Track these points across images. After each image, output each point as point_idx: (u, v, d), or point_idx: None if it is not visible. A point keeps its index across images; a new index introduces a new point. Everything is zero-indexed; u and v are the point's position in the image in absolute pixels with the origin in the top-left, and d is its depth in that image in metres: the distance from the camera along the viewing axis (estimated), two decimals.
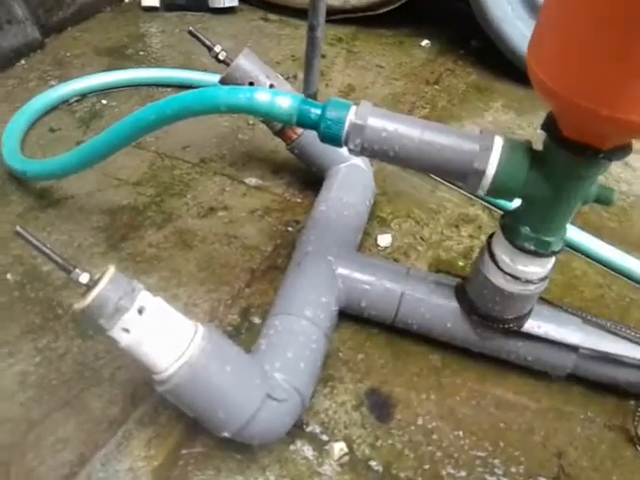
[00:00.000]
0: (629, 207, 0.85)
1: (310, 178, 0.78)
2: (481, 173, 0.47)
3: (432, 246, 0.74)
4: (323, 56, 1.08)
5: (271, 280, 0.66)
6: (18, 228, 0.42)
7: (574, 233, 0.75)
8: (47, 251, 0.43)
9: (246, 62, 0.69)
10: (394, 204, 0.79)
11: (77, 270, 0.43)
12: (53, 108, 0.86)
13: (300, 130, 0.72)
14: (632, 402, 0.59)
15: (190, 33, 0.70)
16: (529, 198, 0.49)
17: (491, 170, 0.47)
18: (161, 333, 0.44)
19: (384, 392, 0.58)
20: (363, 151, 0.50)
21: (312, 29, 0.84)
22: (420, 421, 0.56)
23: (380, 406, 0.57)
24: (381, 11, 1.15)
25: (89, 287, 0.43)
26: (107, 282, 0.43)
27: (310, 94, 0.91)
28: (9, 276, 0.63)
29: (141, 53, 1.02)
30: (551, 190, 0.47)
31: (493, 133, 0.49)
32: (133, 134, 0.57)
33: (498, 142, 0.48)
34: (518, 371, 0.60)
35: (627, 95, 0.37)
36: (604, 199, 0.49)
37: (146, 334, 0.43)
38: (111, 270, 0.44)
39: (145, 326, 0.43)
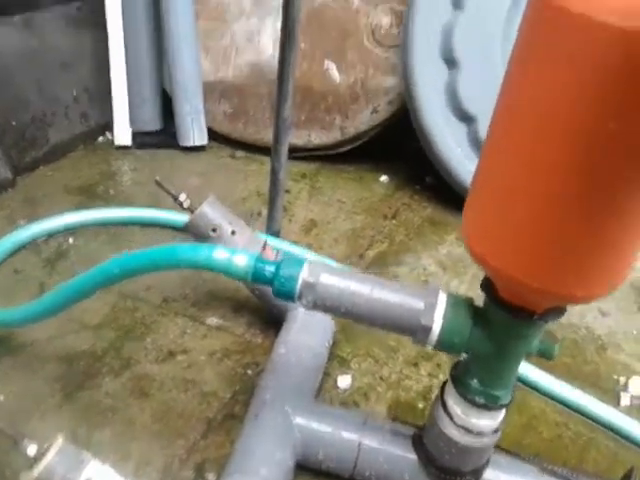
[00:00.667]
0: (581, 340, 0.88)
1: (272, 317, 0.79)
2: (428, 329, 0.49)
3: (392, 386, 0.75)
4: (287, 191, 1.13)
5: (228, 430, 0.65)
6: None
7: (529, 370, 0.77)
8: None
9: (209, 210, 0.73)
10: (354, 343, 0.80)
11: (25, 441, 0.42)
12: (20, 248, 0.88)
13: None
14: None
15: (157, 183, 0.74)
16: (474, 353, 0.50)
17: (437, 326, 0.49)
18: None
19: None
20: (315, 307, 0.52)
21: (274, 172, 0.89)
22: None
23: None
24: (342, 150, 1.23)
25: (36, 459, 0.42)
26: (54, 455, 0.42)
27: (274, 232, 0.95)
28: None
29: (111, 192, 1.06)
30: (493, 346, 0.49)
31: (437, 289, 0.51)
32: (95, 287, 0.59)
33: (442, 298, 0.50)
34: None
35: (558, 271, 0.40)
36: (546, 354, 0.51)
37: None
38: (58, 442, 0.43)
39: None
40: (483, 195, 0.44)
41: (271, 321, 0.79)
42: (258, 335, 0.79)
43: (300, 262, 0.52)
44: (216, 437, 0.65)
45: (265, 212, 1.02)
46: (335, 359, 0.77)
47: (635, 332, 0.91)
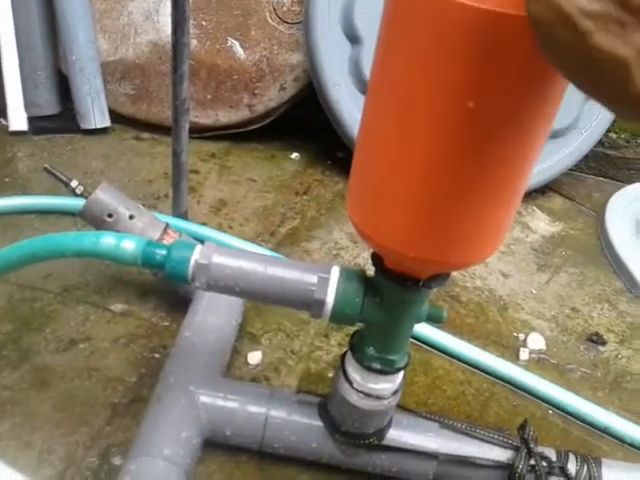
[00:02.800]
0: (484, 302, 0.92)
1: (179, 299, 0.78)
2: (322, 303, 0.50)
3: (302, 359, 0.76)
4: (196, 172, 1.12)
5: (134, 414, 0.64)
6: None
7: (433, 332, 0.80)
8: None
9: (104, 195, 0.71)
10: (264, 318, 0.81)
11: None
12: None
13: None
14: None
15: (46, 170, 0.71)
16: (368, 322, 0.52)
17: (330, 299, 0.50)
18: None
19: None
20: (209, 288, 0.52)
21: (176, 154, 0.87)
22: None
23: None
24: (251, 128, 1.22)
25: None
26: None
27: (180, 214, 0.93)
28: None
29: (6, 180, 1.01)
30: (385, 315, 0.51)
31: (330, 264, 0.52)
32: None
33: (335, 272, 0.51)
34: None
35: (432, 241, 0.42)
36: (435, 318, 0.54)
37: None
38: None
39: None
40: (360, 171, 0.45)
41: (178, 303, 0.78)
42: (165, 318, 0.78)
43: (192, 245, 0.52)
44: (122, 421, 0.64)
45: (171, 194, 1.00)
46: (245, 336, 0.77)
47: (534, 291, 0.97)
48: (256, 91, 1.19)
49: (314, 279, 0.51)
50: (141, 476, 0.52)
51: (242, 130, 1.22)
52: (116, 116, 1.21)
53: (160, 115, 1.21)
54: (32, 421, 0.62)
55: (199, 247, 0.52)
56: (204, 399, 0.60)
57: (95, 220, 0.71)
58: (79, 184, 0.71)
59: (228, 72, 1.19)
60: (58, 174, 0.71)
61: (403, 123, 0.39)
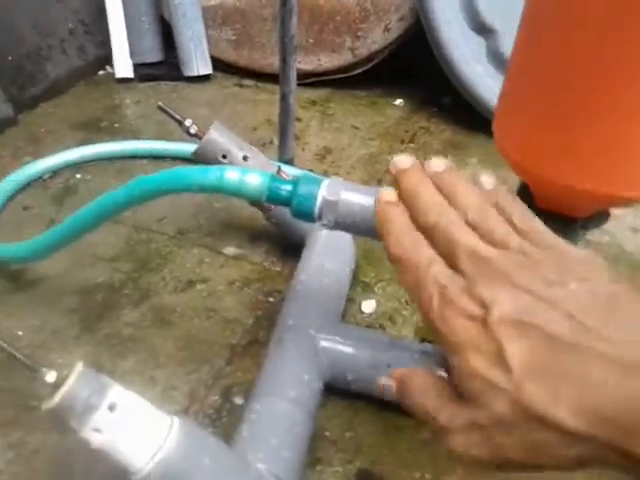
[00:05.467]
0: (614, 260, 0.85)
1: (289, 244, 0.77)
2: None
3: (417, 309, 0.73)
4: (298, 119, 1.09)
5: (253, 355, 0.64)
6: None
7: None
8: (11, 351, 0.40)
9: (217, 135, 0.69)
10: (377, 267, 0.78)
11: (43, 369, 0.40)
12: (27, 185, 0.85)
13: None
14: None
15: (159, 108, 0.70)
16: None
17: None
18: (135, 430, 0.41)
19: (375, 472, 0.55)
20: (336, 226, 0.49)
21: (284, 97, 0.85)
22: None
23: None
24: (353, 73, 1.17)
25: (56, 386, 0.40)
26: (74, 380, 0.40)
27: (286, 160, 0.91)
28: None
29: (116, 125, 1.02)
30: None
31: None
32: (103, 216, 0.56)
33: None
34: None
35: (604, 168, 0.37)
36: None
37: (119, 432, 0.41)
38: (78, 367, 0.41)
39: (117, 424, 0.41)
40: (514, 94, 0.41)
41: (289, 249, 0.77)
42: (277, 263, 0.77)
43: (318, 180, 0.49)
44: (241, 362, 0.63)
45: (276, 141, 0.98)
46: (358, 284, 0.75)
47: None
48: (359, 33, 1.14)
49: None
50: (267, 415, 0.52)
51: (344, 75, 1.18)
52: (218, 63, 1.20)
53: (262, 61, 1.19)
54: (155, 358, 0.63)
55: (326, 182, 0.49)
56: (324, 343, 0.59)
57: (209, 161, 0.70)
58: (193, 123, 0.70)
59: (331, 13, 1.14)
60: (172, 112, 0.70)
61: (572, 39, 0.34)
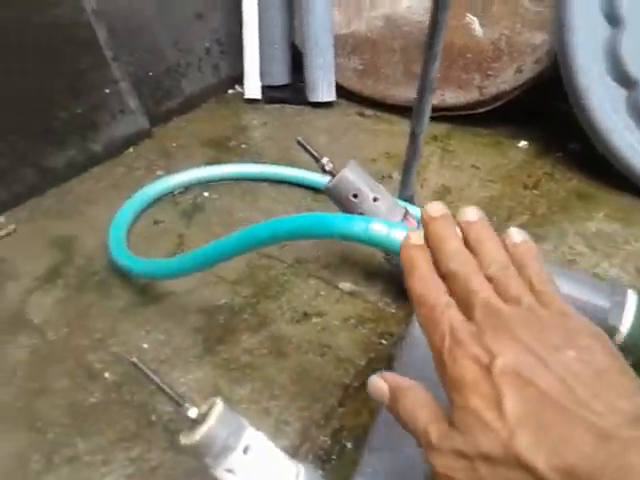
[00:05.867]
0: None
1: (404, 286, 0.76)
2: (615, 330, 0.44)
3: None
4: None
5: (364, 399, 0.64)
6: (134, 359, 0.42)
7: None
8: (161, 385, 0.42)
9: (351, 174, 0.70)
10: None
11: (187, 404, 0.42)
12: (158, 199, 0.89)
13: None
14: None
15: (299, 143, 0.72)
16: None
17: (625, 328, 0.44)
18: (264, 476, 0.42)
19: None
20: None
21: (414, 135, 0.84)
22: None
23: None
24: (478, 111, 1.15)
25: (196, 422, 0.42)
26: (216, 420, 0.41)
27: (407, 197, 0.90)
28: (107, 375, 0.64)
29: (243, 146, 1.06)
30: None
31: (625, 288, 0.46)
32: (242, 249, 0.58)
33: (632, 298, 0.45)
34: None
35: None
36: None
37: (250, 475, 0.42)
38: (219, 406, 0.42)
39: (250, 467, 0.42)
40: None
41: (404, 291, 0.76)
42: (391, 304, 0.76)
43: None
44: (353, 405, 0.63)
45: (395, 175, 0.98)
46: None
47: None
48: (489, 72, 1.12)
49: (607, 303, 0.45)
50: (384, 471, 0.51)
51: (468, 112, 1.16)
52: (341, 90, 1.22)
53: (385, 92, 1.19)
54: (270, 388, 0.64)
55: None
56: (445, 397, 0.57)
57: (340, 198, 0.71)
58: (329, 161, 0.71)
59: (462, 51, 1.12)
60: (310, 149, 0.72)
61: None
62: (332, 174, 0.72)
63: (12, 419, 0.59)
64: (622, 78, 0.97)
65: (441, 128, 1.18)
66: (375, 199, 0.70)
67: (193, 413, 0.42)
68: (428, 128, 1.16)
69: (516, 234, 0.35)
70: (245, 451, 0.42)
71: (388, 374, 0.38)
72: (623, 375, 0.28)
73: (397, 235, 0.49)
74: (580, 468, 0.25)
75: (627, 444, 0.24)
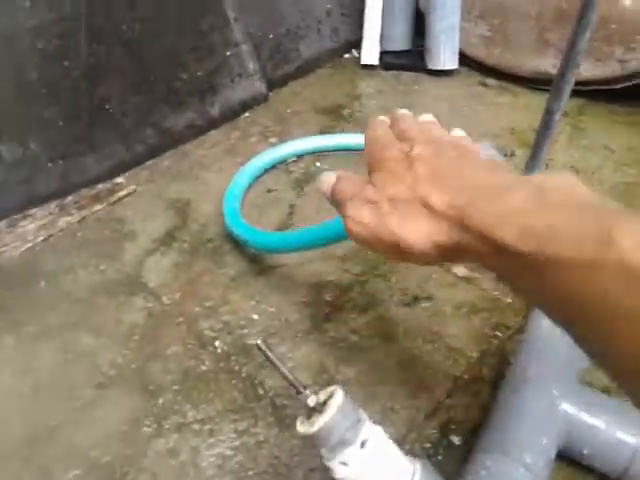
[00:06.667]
0: None
1: None
2: None
3: None
4: None
5: (474, 393, 0.60)
6: (259, 342, 0.41)
7: None
8: (283, 370, 0.41)
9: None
10: None
11: (307, 391, 0.41)
12: (271, 167, 0.89)
13: None
14: None
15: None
16: None
17: None
18: (379, 472, 0.41)
19: None
20: None
21: (550, 112, 0.77)
22: None
23: None
24: (616, 87, 1.05)
25: (314, 410, 0.41)
26: (335, 411, 0.40)
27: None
28: (217, 344, 0.65)
29: (357, 114, 1.03)
30: None
31: None
32: (338, 238, 0.56)
33: None
34: None
35: None
36: None
37: (364, 470, 0.40)
38: (339, 396, 0.41)
39: (365, 461, 0.40)
40: None
41: None
42: (508, 294, 0.72)
43: None
44: (462, 398, 0.60)
45: (519, 152, 0.91)
46: None
47: None
48: (633, 44, 1.01)
49: None
50: (498, 476, 0.48)
51: (605, 88, 1.06)
52: (463, 58, 1.15)
53: (512, 62, 1.11)
54: (377, 372, 0.62)
55: None
56: (567, 407, 0.53)
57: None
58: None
59: (605, 20, 1.02)
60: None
61: None
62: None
63: (127, 382, 0.62)
64: None
65: (573, 103, 1.08)
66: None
67: (312, 401, 0.41)
68: None
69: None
70: (362, 445, 0.41)
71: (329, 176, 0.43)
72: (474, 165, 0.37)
73: None
74: (459, 201, 0.32)
75: (502, 188, 0.31)
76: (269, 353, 0.41)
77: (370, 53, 1.14)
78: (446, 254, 0.34)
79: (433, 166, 0.36)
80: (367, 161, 0.40)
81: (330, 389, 0.42)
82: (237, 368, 0.62)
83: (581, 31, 0.68)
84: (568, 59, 0.71)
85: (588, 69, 1.05)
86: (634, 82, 1.03)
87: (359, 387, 0.61)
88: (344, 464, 0.40)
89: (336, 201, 0.41)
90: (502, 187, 0.31)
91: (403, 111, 0.47)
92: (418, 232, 0.33)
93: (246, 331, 0.66)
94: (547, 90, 1.09)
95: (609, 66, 1.04)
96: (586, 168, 0.93)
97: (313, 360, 0.63)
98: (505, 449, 0.50)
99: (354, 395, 0.60)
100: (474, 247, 0.31)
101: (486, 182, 0.33)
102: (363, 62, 1.15)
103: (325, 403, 0.41)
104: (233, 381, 0.61)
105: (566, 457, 0.54)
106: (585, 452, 0.53)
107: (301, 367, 0.62)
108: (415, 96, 1.09)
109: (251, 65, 1.00)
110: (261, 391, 0.60)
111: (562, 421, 0.53)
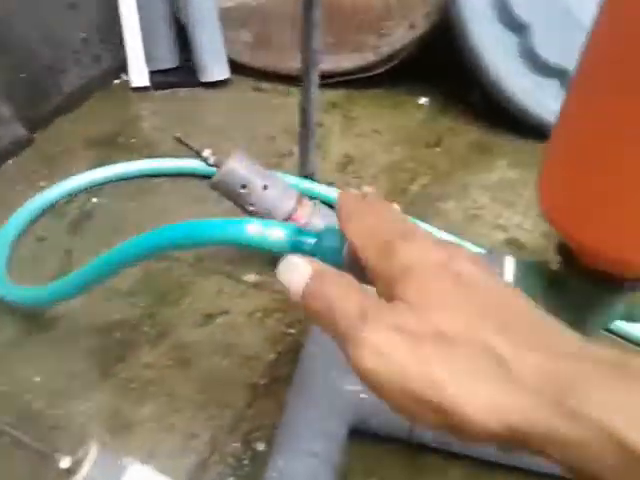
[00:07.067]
0: None
1: None
2: None
3: None
4: (320, 125, 1.05)
5: (275, 395, 0.62)
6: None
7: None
8: (18, 436, 0.39)
9: (237, 165, 0.66)
10: None
11: (56, 455, 0.39)
12: (41, 213, 0.83)
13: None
14: None
15: (177, 139, 0.68)
16: None
17: None
18: None
19: None
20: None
21: (304, 112, 0.81)
22: None
23: None
24: (376, 72, 1.12)
25: (70, 472, 0.39)
26: (89, 468, 0.39)
27: (307, 174, 0.88)
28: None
29: (132, 140, 1.00)
30: (571, 316, 0.42)
31: (503, 254, 0.44)
32: (118, 266, 0.54)
33: (509, 265, 0.44)
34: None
35: None
36: (635, 317, 0.45)
37: None
38: (93, 452, 0.40)
39: None
40: (562, 159, 0.36)
41: None
42: None
43: (341, 234, 0.46)
44: (263, 404, 0.61)
45: (296, 150, 0.94)
46: None
47: None
48: (382, 30, 1.09)
49: None
50: (290, 473, 0.50)
51: (365, 75, 1.13)
52: (235, 66, 1.16)
53: (279, 63, 1.15)
54: (174, 402, 0.61)
55: None
56: (349, 387, 0.56)
57: (228, 191, 0.68)
58: (212, 153, 0.67)
59: (353, 12, 1.09)
60: (189, 144, 0.68)
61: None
62: (217, 166, 0.68)
63: None
64: (512, 24, 0.96)
65: (340, 94, 1.14)
66: (265, 187, 0.67)
67: (65, 463, 0.39)
68: (327, 95, 1.13)
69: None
70: None
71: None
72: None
73: (273, 234, 0.46)
74: None
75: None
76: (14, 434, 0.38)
77: (139, 75, 1.12)
78: (521, 442, 0.21)
79: (490, 296, 0.25)
80: (370, 258, 0.28)
81: (85, 447, 0.40)
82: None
83: (310, 30, 0.72)
84: (307, 58, 0.75)
85: (347, 59, 1.12)
86: (389, 66, 1.11)
87: (156, 422, 0.59)
88: None
89: (327, 310, 0.26)
90: (615, 363, 0.21)
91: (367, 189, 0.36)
92: (483, 400, 0.22)
93: (30, 396, 0.61)
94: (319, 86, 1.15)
95: (365, 54, 1.11)
96: (359, 154, 0.99)
97: (107, 408, 0.60)
98: (294, 445, 0.52)
99: (152, 433, 0.59)
100: (577, 443, 0.20)
101: (578, 345, 0.22)
102: (134, 85, 1.12)
103: (81, 461, 0.39)
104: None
105: (365, 433, 0.57)
106: (374, 424, 0.57)
107: (95, 418, 0.59)
108: (191, 112, 1.08)
109: (6, 111, 0.93)
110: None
111: (347, 402, 0.56)
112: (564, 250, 0.41)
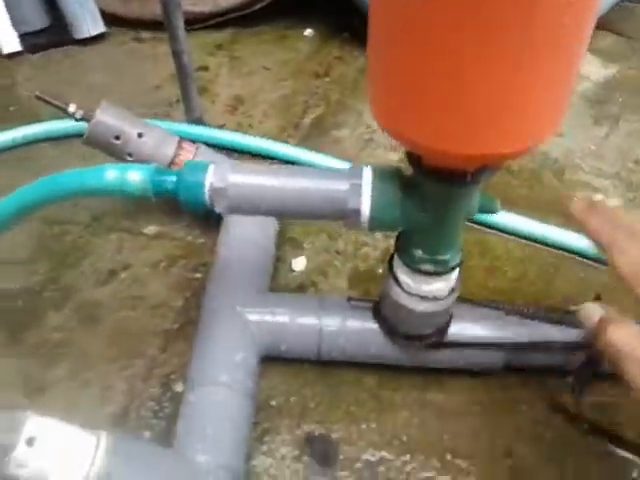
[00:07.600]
0: (538, 168, 0.85)
1: (211, 214, 0.74)
2: (357, 212, 0.45)
3: (349, 258, 0.73)
4: (205, 68, 1.04)
5: (187, 338, 0.63)
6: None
7: None
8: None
9: (106, 116, 0.65)
10: (303, 222, 0.76)
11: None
12: None
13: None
14: (569, 379, 0.58)
15: (38, 98, 0.65)
16: (412, 226, 0.47)
17: (365, 208, 0.45)
18: (61, 456, 0.41)
19: (323, 433, 0.56)
20: (232, 211, 0.47)
21: (177, 56, 0.79)
22: (365, 455, 0.55)
23: (321, 450, 0.55)
24: (255, 8, 1.10)
25: None
26: None
27: (195, 119, 0.87)
28: None
29: (11, 109, 0.95)
30: (429, 216, 0.45)
31: (361, 167, 0.46)
32: None
33: (367, 175, 0.46)
34: (455, 374, 0.59)
35: (480, 132, 0.35)
36: (488, 209, 0.48)
37: (45, 462, 0.40)
38: None
39: (41, 455, 0.40)
40: (381, 71, 0.38)
41: (211, 218, 0.75)
42: (200, 235, 0.75)
43: (204, 166, 0.46)
44: (176, 347, 0.63)
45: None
46: (287, 242, 0.74)
47: (593, 147, 0.89)
48: None
49: (345, 186, 0.45)
50: (200, 407, 0.51)
51: (246, 12, 1.11)
52: (110, 18, 1.11)
53: (155, 11, 1.10)
54: (87, 360, 0.61)
55: (212, 168, 0.47)
56: (253, 317, 0.58)
57: (102, 145, 0.66)
58: (77, 107, 0.65)
59: None
60: (51, 100, 0.65)
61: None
62: (87, 120, 0.66)
63: None
64: None
65: (224, 35, 1.12)
66: (140, 135, 0.66)
67: None
68: (211, 37, 1.11)
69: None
70: (29, 443, 0.40)
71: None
72: None
73: (132, 177, 0.46)
74: None
75: None
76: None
77: (8, 41, 1.05)
78: None
79: None
80: None
81: None
82: None
83: None
84: (165, 3, 0.73)
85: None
86: (266, 2, 1.09)
87: (71, 381, 0.60)
88: (22, 466, 0.39)
89: (617, 354, 0.35)
90: None
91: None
92: None
93: None
94: (201, 29, 1.12)
95: None
96: (249, 93, 0.99)
97: (16, 375, 0.60)
98: (201, 379, 0.53)
99: (68, 391, 0.60)
100: None
101: None
102: (5, 52, 1.06)
103: None
104: None
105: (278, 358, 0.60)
106: (284, 348, 0.59)
107: (8, 385, 0.59)
108: (69, 71, 1.03)
109: None
110: None
111: (252, 332, 0.58)
112: (411, 155, 0.43)
